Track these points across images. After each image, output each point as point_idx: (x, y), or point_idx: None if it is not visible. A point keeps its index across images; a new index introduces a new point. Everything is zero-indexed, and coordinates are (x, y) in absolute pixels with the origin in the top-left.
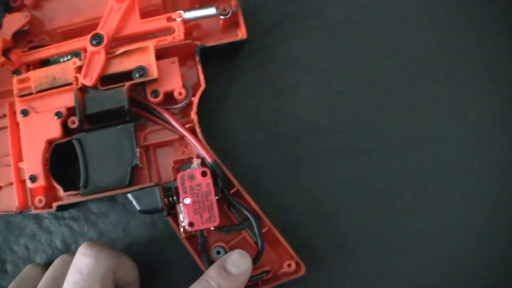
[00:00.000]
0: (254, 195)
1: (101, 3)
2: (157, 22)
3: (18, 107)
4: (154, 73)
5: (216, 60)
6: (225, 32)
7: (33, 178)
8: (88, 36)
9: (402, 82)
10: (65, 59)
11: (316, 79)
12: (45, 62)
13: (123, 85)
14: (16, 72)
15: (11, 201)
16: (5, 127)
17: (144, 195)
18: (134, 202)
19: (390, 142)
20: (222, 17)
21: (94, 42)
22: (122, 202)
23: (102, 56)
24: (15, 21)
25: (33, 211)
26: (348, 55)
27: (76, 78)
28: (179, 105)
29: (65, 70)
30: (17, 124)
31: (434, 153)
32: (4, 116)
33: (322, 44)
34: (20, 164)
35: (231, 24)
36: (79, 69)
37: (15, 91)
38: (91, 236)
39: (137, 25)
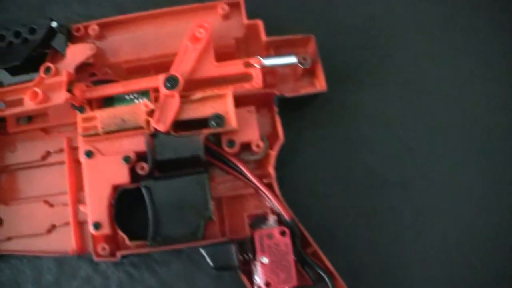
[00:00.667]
0: (325, 250)
1: (170, 40)
2: (234, 67)
3: (82, 148)
4: (233, 123)
5: (287, 108)
6: (299, 80)
7: (97, 226)
8: (161, 78)
9: (475, 140)
10: (131, 97)
11: (388, 133)
12: (109, 99)
13: (199, 133)
14: (80, 109)
15: (65, 241)
16: (61, 163)
17: (219, 251)
18: (208, 258)
19: (460, 201)
20: (301, 66)
21: (169, 85)
22: (187, 252)
23: (176, 101)
24: (79, 52)
25: (96, 259)
26: (419, 110)
27: (148, 122)
28: (255, 157)
29: (135, 112)
30: (75, 161)
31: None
32: (61, 151)
33: (394, 96)
34: (81, 208)
35: (306, 72)
36: (150, 112)
37: (80, 130)
38: (151, 284)
39: (212, 68)
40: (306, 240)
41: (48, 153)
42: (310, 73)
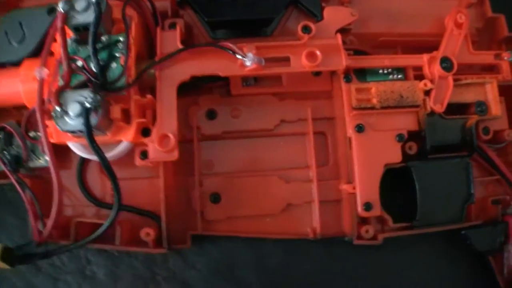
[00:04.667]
0: None
1: (421, 19)
2: (485, 57)
3: (352, 121)
4: (496, 111)
5: None
6: None
7: (369, 206)
8: (437, 58)
9: None
10: (385, 72)
11: None
12: (360, 72)
13: (467, 118)
14: (347, 78)
15: (301, 223)
16: (300, 133)
17: (484, 233)
18: (472, 241)
19: None
20: None
21: (444, 65)
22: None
23: (450, 83)
24: (340, 16)
25: (356, 242)
26: None
27: (424, 101)
28: (499, 145)
29: (413, 90)
30: (317, 133)
31: None
32: (302, 120)
33: None
34: (345, 187)
35: None
36: (426, 92)
37: (354, 102)
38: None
39: (467, 55)
40: None
41: (283, 121)
42: None
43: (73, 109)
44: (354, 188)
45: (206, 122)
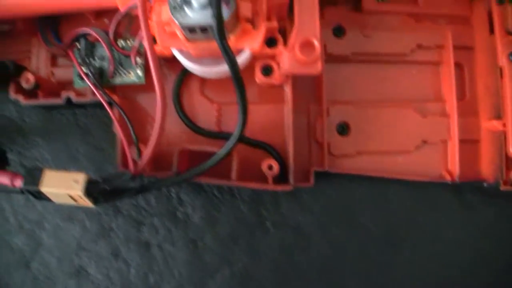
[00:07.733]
0: None
1: None
2: None
3: (506, 48)
4: None
5: None
6: None
7: None
8: None
9: None
10: None
11: None
12: None
13: None
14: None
15: (438, 165)
16: (436, 62)
17: None
18: None
19: None
20: None
21: None
22: None
23: None
24: None
25: (503, 188)
26: None
27: None
28: None
29: None
30: (456, 64)
31: None
32: (440, 47)
33: None
34: (495, 123)
35: None
36: None
37: (511, 26)
38: None
39: None
40: None
41: (419, 47)
42: None
43: None
44: (504, 125)
45: (333, 40)
